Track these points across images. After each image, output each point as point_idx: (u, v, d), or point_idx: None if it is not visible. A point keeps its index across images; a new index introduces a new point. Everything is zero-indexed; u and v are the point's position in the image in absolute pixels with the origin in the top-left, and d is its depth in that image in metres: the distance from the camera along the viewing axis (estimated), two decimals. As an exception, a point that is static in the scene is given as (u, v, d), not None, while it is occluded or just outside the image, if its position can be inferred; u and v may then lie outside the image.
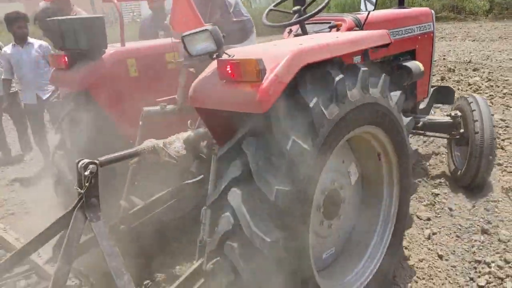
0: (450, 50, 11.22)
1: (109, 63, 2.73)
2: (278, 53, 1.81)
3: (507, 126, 5.13)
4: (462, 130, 3.69)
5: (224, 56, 1.86)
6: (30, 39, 4.77)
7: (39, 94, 4.78)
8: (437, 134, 3.86)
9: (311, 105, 1.78)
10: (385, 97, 2.18)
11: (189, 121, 2.52)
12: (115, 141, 2.51)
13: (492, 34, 13.70)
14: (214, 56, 1.91)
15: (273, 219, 1.70)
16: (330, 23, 2.93)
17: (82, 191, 1.89)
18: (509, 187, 3.60)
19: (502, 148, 4.52)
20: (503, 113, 5.70)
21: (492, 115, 3.67)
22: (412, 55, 3.60)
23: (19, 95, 5.28)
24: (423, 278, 2.67)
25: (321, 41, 2.02)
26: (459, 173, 3.72)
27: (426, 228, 3.23)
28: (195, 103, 1.98)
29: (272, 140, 1.75)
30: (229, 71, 1.78)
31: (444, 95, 4.01)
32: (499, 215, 3.31)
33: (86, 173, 1.87)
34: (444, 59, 9.98)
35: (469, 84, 7.30)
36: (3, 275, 2.02)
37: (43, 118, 5.10)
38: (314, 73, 1.87)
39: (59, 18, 2.80)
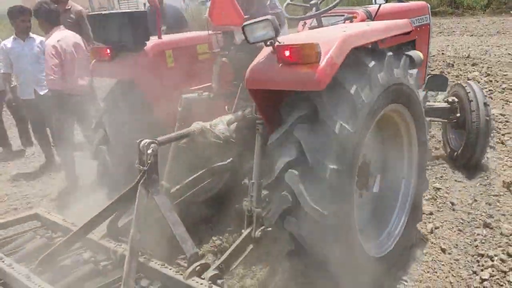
0: (448, 45, 11.23)
1: (150, 55, 2.92)
2: (328, 38, 2.06)
3: (507, 121, 5.17)
4: (458, 115, 3.98)
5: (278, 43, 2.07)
6: (32, 34, 4.74)
7: (37, 89, 4.75)
8: (435, 119, 4.10)
9: (352, 92, 2.04)
10: (406, 76, 2.44)
11: (226, 106, 2.83)
12: (154, 126, 2.66)
13: (490, 29, 13.71)
14: (268, 43, 2.09)
15: (328, 195, 1.96)
16: (343, 15, 3.10)
17: (144, 168, 2.12)
18: (510, 181, 3.64)
19: (502, 143, 4.56)
20: (502, 108, 5.73)
21: (488, 104, 3.94)
22: (412, 45, 3.80)
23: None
24: (428, 272, 2.70)
25: (360, 28, 2.30)
26: (455, 154, 4.05)
27: (429, 222, 3.26)
28: (251, 85, 2.18)
29: (321, 125, 2.01)
30: (288, 55, 2.00)
31: (438, 83, 4.20)
32: (500, 209, 3.34)
33: (149, 151, 2.11)
34: (442, 54, 9.98)
35: (468, 79, 7.31)
36: (67, 251, 2.25)
37: (42, 113, 5.08)
38: (348, 60, 2.05)
39: (103, 12, 3.03)
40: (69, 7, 5.08)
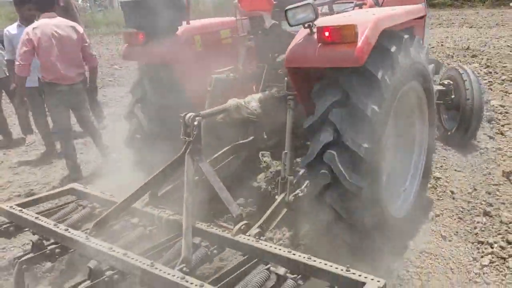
0: (447, 37, 11.25)
1: (182, 39, 3.11)
2: (361, 20, 2.24)
3: (506, 112, 5.21)
4: (453, 96, 4.21)
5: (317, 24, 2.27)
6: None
7: (40, 77, 4.74)
8: None
9: (379, 77, 2.23)
10: (418, 53, 2.62)
11: (254, 86, 3.09)
12: (186, 106, 2.76)
13: (489, 21, 13.74)
14: (306, 25, 2.31)
15: (362, 171, 2.22)
16: (352, 2, 3.15)
17: (190, 139, 2.35)
18: (509, 171, 3.68)
19: (501, 134, 4.60)
20: (502, 99, 5.77)
21: (481, 83, 4.29)
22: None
23: None
24: (430, 258, 2.74)
25: (387, 12, 2.51)
26: (449, 133, 4.32)
27: (429, 211, 3.30)
28: (291, 63, 2.38)
29: (354, 109, 2.23)
30: (328, 35, 2.20)
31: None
32: (500, 197, 3.38)
33: (195, 123, 2.33)
34: (442, 45, 10.01)
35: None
36: (116, 217, 2.43)
37: (43, 101, 5.07)
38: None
39: (138, 0, 3.10)
40: None
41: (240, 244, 2.14)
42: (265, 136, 3.15)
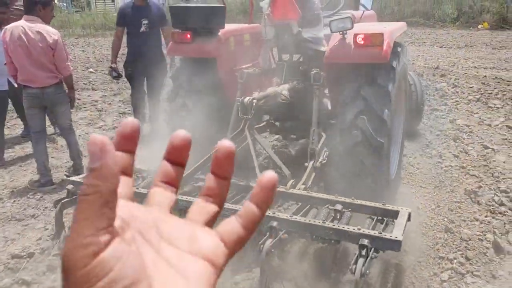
0: (419, 55, 11.62)
1: (223, 39, 3.68)
2: (383, 31, 3.07)
3: (471, 132, 5.44)
4: None
5: (352, 32, 3.09)
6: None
7: (10, 80, 4.65)
8: None
9: (397, 70, 3.18)
10: (405, 55, 3.55)
11: (276, 79, 3.81)
12: (222, 94, 3.65)
13: (459, 42, 14.26)
14: (345, 32, 3.12)
15: (383, 130, 3.01)
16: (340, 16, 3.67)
17: (249, 117, 3.16)
18: (471, 189, 3.85)
19: (466, 152, 4.80)
20: (467, 118, 6.02)
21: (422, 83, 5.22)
22: None
23: None
24: (392, 272, 2.85)
25: (392, 27, 3.41)
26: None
27: (395, 225, 3.42)
28: (332, 60, 3.20)
29: (380, 87, 3.05)
30: (361, 40, 3.03)
31: None
32: (461, 215, 3.54)
33: (253, 104, 3.11)
34: (413, 63, 10.33)
35: (436, 89, 7.62)
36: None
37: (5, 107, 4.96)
38: None
39: (185, 5, 4.00)
40: None
41: (295, 195, 2.83)
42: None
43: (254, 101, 3.11)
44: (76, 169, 4.29)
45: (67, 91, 4.15)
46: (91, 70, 9.97)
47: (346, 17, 3.12)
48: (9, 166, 4.71)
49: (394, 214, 2.51)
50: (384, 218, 2.56)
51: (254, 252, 2.40)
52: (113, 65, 5.25)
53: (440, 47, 13.31)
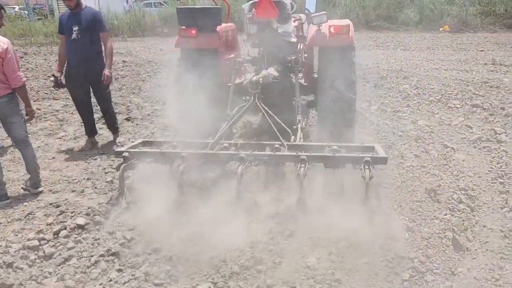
0: (383, 59, 11.85)
1: (220, 34, 4.67)
2: (347, 23, 4.25)
3: (431, 132, 5.57)
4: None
5: (326, 24, 4.24)
6: None
7: None
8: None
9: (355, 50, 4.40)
10: None
11: (255, 66, 4.79)
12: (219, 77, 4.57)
13: (421, 44, 14.65)
14: (321, 25, 4.26)
15: (353, 89, 4.22)
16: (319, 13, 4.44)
17: (258, 91, 3.99)
18: (431, 188, 3.93)
19: (426, 152, 4.91)
20: (428, 119, 6.16)
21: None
22: None
23: None
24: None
25: (349, 21, 4.36)
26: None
27: (358, 227, 3.44)
28: (313, 45, 4.53)
29: (349, 61, 4.22)
30: (334, 30, 4.16)
31: None
32: (422, 213, 3.61)
33: (260, 81, 3.98)
34: (377, 66, 10.53)
35: (399, 91, 7.79)
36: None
37: None
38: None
39: (190, 7, 5.13)
40: None
41: (298, 145, 3.74)
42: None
43: (261, 79, 4.01)
44: (33, 182, 4.13)
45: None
46: (51, 79, 9.68)
47: (323, 13, 4.24)
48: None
49: (372, 148, 3.66)
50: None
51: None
52: (56, 74, 5.06)
53: (404, 50, 13.63)
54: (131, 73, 10.88)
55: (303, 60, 4.69)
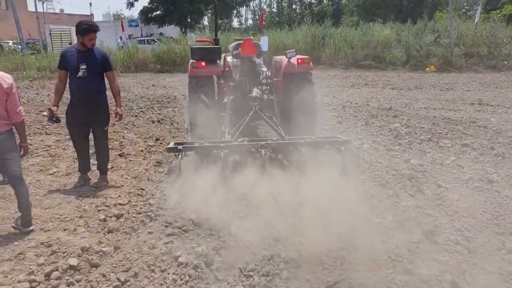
0: (373, 97, 12.11)
1: (220, 65, 6.44)
2: (308, 57, 6.19)
3: (424, 171, 5.62)
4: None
5: (295, 57, 6.10)
6: None
7: None
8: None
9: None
10: None
11: (246, 86, 6.25)
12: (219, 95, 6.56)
13: (409, 84, 15.03)
14: (291, 58, 6.07)
15: (314, 101, 6.12)
16: (290, 50, 6.45)
17: (256, 103, 5.84)
18: (428, 229, 3.93)
19: (421, 192, 4.93)
20: (420, 158, 6.24)
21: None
22: None
23: None
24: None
25: (305, 56, 6.27)
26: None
27: (356, 269, 3.39)
28: (287, 71, 6.11)
29: (309, 81, 6.15)
30: (300, 61, 6.03)
31: None
32: (420, 255, 3.57)
33: (258, 96, 5.93)
34: (368, 104, 10.74)
35: (390, 130, 7.91)
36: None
37: None
38: None
39: (201, 46, 6.71)
40: None
41: (291, 138, 5.38)
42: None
43: (259, 94, 5.88)
44: (25, 220, 4.04)
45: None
46: (45, 113, 9.67)
47: (293, 50, 6.16)
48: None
49: (346, 142, 5.25)
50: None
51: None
52: (53, 108, 5.03)
53: (392, 89, 13.97)
54: (124, 108, 10.92)
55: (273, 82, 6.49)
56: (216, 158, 4.96)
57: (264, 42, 7.36)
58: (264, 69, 6.57)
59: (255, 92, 5.90)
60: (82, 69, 4.97)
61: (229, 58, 7.20)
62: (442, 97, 11.92)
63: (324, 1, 62.55)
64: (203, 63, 5.90)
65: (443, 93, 12.76)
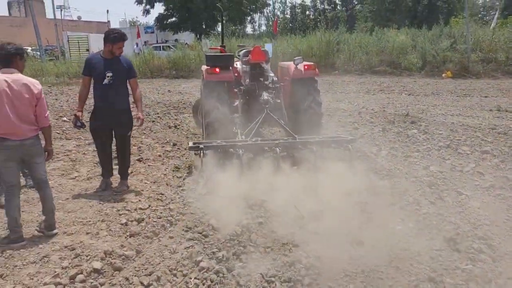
0: (389, 103, 12.03)
1: (234, 71, 6.89)
2: (314, 63, 6.68)
3: (444, 178, 5.57)
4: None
5: (301, 64, 6.56)
6: None
7: None
8: None
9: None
10: None
11: (254, 91, 6.77)
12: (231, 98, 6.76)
13: (425, 89, 14.90)
14: (300, 64, 6.54)
15: (320, 106, 6.58)
16: (298, 57, 6.94)
17: (267, 106, 6.15)
18: (450, 237, 3.89)
19: (441, 199, 4.89)
20: (440, 165, 6.18)
21: None
22: None
23: None
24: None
25: (311, 63, 6.78)
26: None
27: (378, 276, 3.38)
28: (294, 76, 6.55)
29: (315, 88, 6.59)
30: (306, 67, 6.50)
31: None
32: (443, 263, 3.54)
33: (269, 99, 6.19)
34: (384, 111, 10.67)
35: (408, 136, 7.86)
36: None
37: None
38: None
39: (215, 54, 7.39)
40: None
41: (301, 137, 5.78)
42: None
43: (270, 98, 6.22)
44: (48, 224, 4.11)
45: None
46: (64, 119, 9.84)
47: (300, 57, 6.59)
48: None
49: (351, 141, 5.72)
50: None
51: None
52: (78, 113, 5.15)
53: (408, 95, 13.86)
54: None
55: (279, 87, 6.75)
56: (233, 158, 5.33)
57: (268, 48, 7.67)
58: (271, 74, 6.88)
59: (265, 95, 6.23)
60: (108, 76, 5.08)
61: (238, 64, 7.48)
62: (459, 103, 11.80)
63: (338, 7, 62.51)
64: (217, 69, 6.26)
65: (460, 99, 12.62)
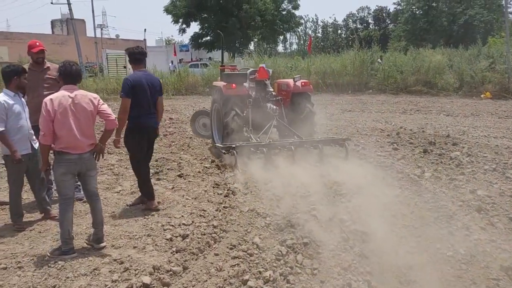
0: (427, 123, 11.79)
1: (247, 86, 8.15)
2: (308, 80, 9.13)
3: (493, 203, 5.37)
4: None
5: (299, 81, 8.29)
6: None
7: (32, 143, 4.65)
8: None
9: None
10: None
11: (260, 103, 8.20)
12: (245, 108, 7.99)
13: (464, 110, 14.54)
14: (298, 81, 8.33)
15: (314, 115, 8.27)
16: (298, 75, 8.99)
17: (276, 113, 7.76)
18: (507, 265, 3.73)
19: (492, 225, 4.71)
20: (487, 189, 5.96)
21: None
22: None
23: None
24: None
25: (307, 80, 8.84)
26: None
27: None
28: (294, 91, 8.21)
29: (310, 101, 8.22)
30: (304, 84, 8.27)
31: None
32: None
33: (277, 108, 7.84)
34: (423, 131, 10.46)
35: (451, 158, 7.64)
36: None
37: (33, 167, 4.88)
38: None
39: (231, 72, 9.27)
40: (47, 65, 5.35)
41: (307, 138, 7.56)
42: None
43: (276, 108, 7.67)
44: (97, 237, 4.20)
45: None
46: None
47: (299, 76, 8.30)
48: (28, 232, 4.62)
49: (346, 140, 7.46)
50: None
51: None
52: (117, 141, 5.35)
53: (447, 115, 13.56)
54: (178, 130, 11.25)
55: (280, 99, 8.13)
56: (256, 156, 6.92)
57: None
58: (271, 89, 8.32)
59: (271, 106, 7.81)
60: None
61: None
62: (502, 125, 11.44)
63: (370, 26, 62.31)
64: (233, 85, 7.62)
65: (502, 121, 12.23)
